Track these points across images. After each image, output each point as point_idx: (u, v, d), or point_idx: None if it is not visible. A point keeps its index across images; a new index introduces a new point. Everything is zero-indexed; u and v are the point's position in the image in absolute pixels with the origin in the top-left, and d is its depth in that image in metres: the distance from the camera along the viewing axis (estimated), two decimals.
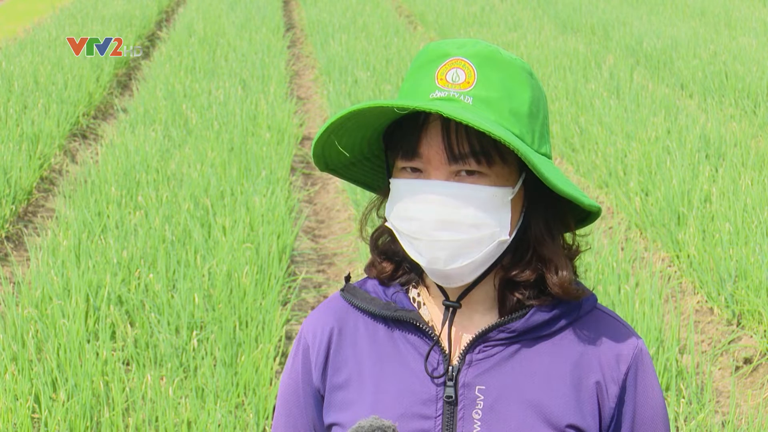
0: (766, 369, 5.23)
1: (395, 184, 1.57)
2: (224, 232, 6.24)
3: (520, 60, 1.57)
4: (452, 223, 1.51)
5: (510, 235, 1.56)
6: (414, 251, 1.56)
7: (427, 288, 1.65)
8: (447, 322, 1.60)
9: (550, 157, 1.58)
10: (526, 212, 1.58)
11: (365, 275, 1.71)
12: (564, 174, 1.58)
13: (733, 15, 15.64)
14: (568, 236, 1.64)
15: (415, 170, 1.55)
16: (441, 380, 1.59)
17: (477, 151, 1.51)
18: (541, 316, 1.59)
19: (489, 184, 1.52)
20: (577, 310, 1.62)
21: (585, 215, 1.63)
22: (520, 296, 1.60)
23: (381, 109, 1.51)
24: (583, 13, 15.73)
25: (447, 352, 1.60)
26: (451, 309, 1.60)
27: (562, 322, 1.61)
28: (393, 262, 1.65)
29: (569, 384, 1.59)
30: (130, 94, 11.09)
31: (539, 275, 1.59)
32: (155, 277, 5.47)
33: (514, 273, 1.58)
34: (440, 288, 1.61)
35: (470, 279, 1.57)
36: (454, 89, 1.52)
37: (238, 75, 11.14)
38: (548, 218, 1.58)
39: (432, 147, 1.53)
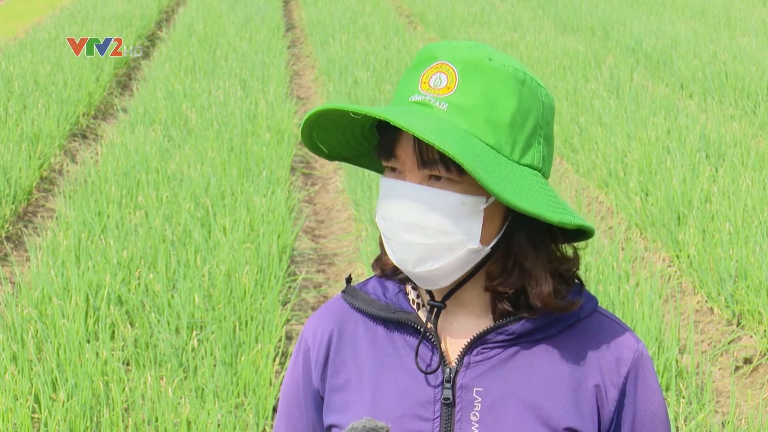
0: (766, 369, 5.23)
1: (381, 181, 1.59)
2: (224, 232, 6.25)
3: (514, 68, 1.54)
4: (420, 227, 1.52)
5: (486, 243, 1.55)
6: (389, 249, 1.57)
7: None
8: (432, 323, 1.60)
9: (538, 169, 1.56)
10: (510, 223, 1.57)
11: (366, 276, 1.71)
12: (544, 187, 1.54)
13: (733, 15, 15.64)
14: (566, 247, 1.62)
15: (396, 170, 1.56)
16: (438, 382, 1.59)
17: (447, 158, 1.50)
18: (533, 324, 1.59)
19: (459, 191, 1.51)
20: (576, 314, 1.61)
21: (578, 230, 1.61)
22: (508, 308, 1.59)
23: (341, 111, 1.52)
24: (583, 13, 15.73)
25: (440, 351, 1.60)
26: (435, 309, 1.60)
27: (560, 326, 1.61)
28: None
29: (568, 387, 1.59)
30: (130, 94, 11.09)
31: (522, 287, 1.58)
32: (155, 277, 5.47)
33: (496, 283, 1.58)
34: (428, 290, 1.62)
35: (446, 283, 1.57)
36: (432, 94, 1.52)
37: (238, 75, 11.14)
38: (532, 230, 1.57)
39: (405, 150, 1.53)
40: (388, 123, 1.55)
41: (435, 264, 1.53)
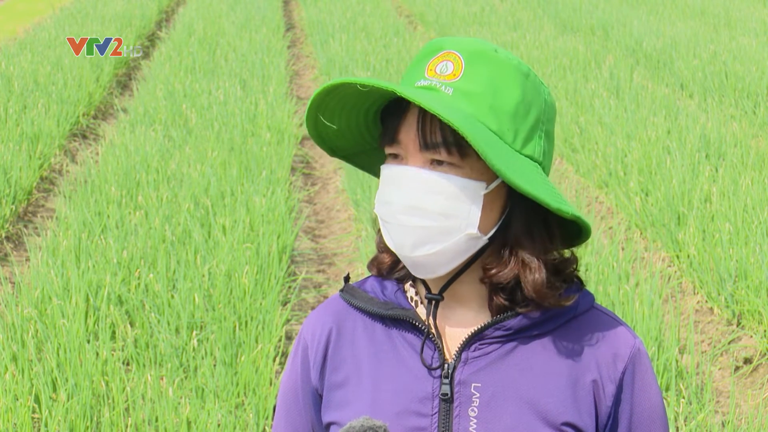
0: (766, 369, 5.23)
1: (383, 169, 1.60)
2: (224, 232, 6.25)
3: (519, 61, 1.58)
4: (419, 210, 1.53)
5: (484, 231, 1.56)
6: (387, 235, 1.59)
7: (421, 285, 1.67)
8: (431, 316, 1.61)
9: (537, 160, 1.57)
10: (508, 212, 1.58)
11: (365, 275, 1.72)
12: (544, 177, 1.56)
13: (733, 15, 15.64)
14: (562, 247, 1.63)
15: (398, 157, 1.58)
16: (437, 378, 1.60)
17: (449, 142, 1.52)
18: (530, 320, 1.60)
19: (461, 176, 1.53)
20: (573, 310, 1.62)
21: (576, 227, 1.62)
22: (505, 301, 1.60)
23: (357, 89, 1.53)
24: (583, 13, 15.73)
25: (441, 348, 1.60)
26: (433, 302, 1.61)
27: (558, 322, 1.61)
28: (392, 254, 1.67)
29: (566, 382, 1.59)
30: (130, 94, 11.10)
31: (518, 279, 1.58)
32: (155, 277, 5.47)
33: (492, 273, 1.58)
34: (424, 283, 1.63)
35: (443, 271, 1.58)
36: (438, 79, 1.55)
37: (238, 75, 11.14)
38: (529, 221, 1.58)
39: (408, 134, 1.55)
40: (392, 110, 1.57)
41: (433, 248, 1.54)
